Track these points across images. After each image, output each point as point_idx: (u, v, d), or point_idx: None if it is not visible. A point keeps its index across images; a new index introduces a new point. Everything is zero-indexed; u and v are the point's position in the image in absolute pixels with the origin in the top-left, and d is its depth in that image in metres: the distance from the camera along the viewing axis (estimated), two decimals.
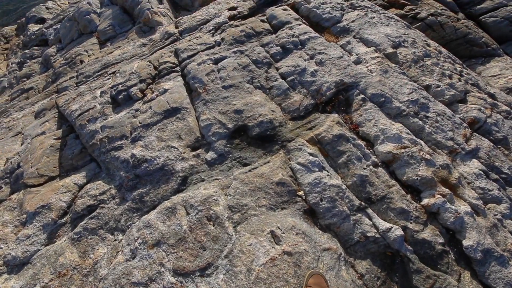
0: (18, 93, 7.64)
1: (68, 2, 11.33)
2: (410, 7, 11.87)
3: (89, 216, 3.39)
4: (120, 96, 4.42)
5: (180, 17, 6.25)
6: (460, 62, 6.03)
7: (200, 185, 3.38)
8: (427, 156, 3.40)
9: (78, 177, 3.90)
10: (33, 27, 10.65)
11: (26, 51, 9.87)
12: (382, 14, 6.36)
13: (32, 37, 10.28)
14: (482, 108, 4.38)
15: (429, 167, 3.33)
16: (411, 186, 3.31)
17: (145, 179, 3.51)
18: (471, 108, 4.33)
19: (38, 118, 5.55)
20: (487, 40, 11.04)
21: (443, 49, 6.11)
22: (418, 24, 11.20)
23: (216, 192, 3.26)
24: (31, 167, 4.27)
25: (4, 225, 3.59)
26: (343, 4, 6.07)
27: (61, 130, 4.74)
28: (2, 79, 9.39)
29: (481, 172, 3.41)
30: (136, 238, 3.03)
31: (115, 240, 3.20)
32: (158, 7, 6.64)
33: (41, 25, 10.46)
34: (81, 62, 6.70)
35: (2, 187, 4.37)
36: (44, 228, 3.41)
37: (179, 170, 3.49)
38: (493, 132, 4.11)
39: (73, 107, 4.63)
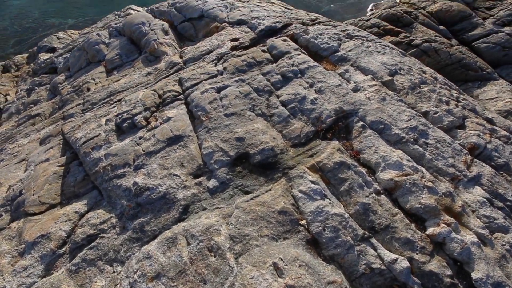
0: (25, 119, 7.82)
1: (79, 33, 11.91)
2: (405, 34, 12.37)
3: (89, 246, 3.34)
4: (124, 124, 4.52)
5: (185, 47, 6.55)
6: (457, 87, 6.17)
7: (202, 214, 3.36)
8: (429, 184, 3.39)
9: (79, 205, 3.89)
10: (44, 56, 11.12)
11: (36, 78, 10.23)
12: (378, 43, 6.62)
13: (42, 65, 10.71)
14: (481, 134, 4.42)
15: (432, 195, 3.31)
16: (415, 215, 3.27)
17: (146, 208, 3.49)
18: (470, 134, 4.37)
19: (43, 145, 5.63)
20: (482, 65, 11.36)
21: (438, 76, 6.29)
22: (413, 50, 11.61)
23: (218, 221, 3.23)
24: (33, 195, 4.27)
25: (1, 256, 3.53)
26: (340, 34, 6.35)
27: (65, 157, 4.80)
28: (10, 105, 9.64)
29: (485, 199, 3.38)
30: (135, 270, 2.96)
31: (114, 272, 3.12)
32: (164, 38, 6.98)
33: (52, 54, 10.93)
34: (88, 89, 6.93)
35: (2, 215, 4.35)
36: (42, 259, 3.35)
37: (180, 198, 3.49)
38: (494, 158, 4.12)
39: (78, 134, 4.73)
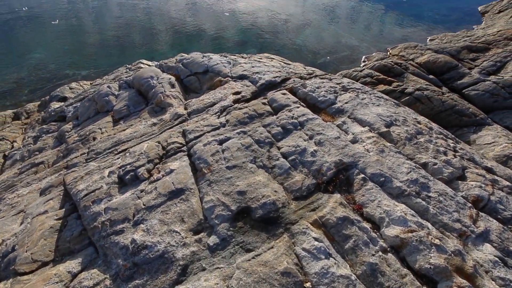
0: (28, 167, 7.90)
1: (90, 83, 12.70)
2: (397, 83, 13.10)
3: None
4: (127, 177, 4.56)
5: (190, 100, 6.91)
6: (453, 136, 6.33)
7: (201, 275, 3.19)
8: (437, 241, 3.28)
9: (73, 264, 3.72)
10: (55, 105, 11.67)
11: (44, 126, 10.60)
12: (372, 95, 6.99)
13: (52, 113, 11.18)
14: (483, 185, 4.41)
15: (440, 254, 3.18)
16: (425, 276, 3.10)
17: (143, 268, 3.33)
18: (472, 185, 4.37)
19: (43, 195, 5.60)
20: (474, 111, 11.79)
21: (433, 125, 6.50)
22: (406, 98, 12.17)
23: (218, 284, 3.06)
24: (26, 251, 4.12)
25: None
26: (336, 87, 6.75)
27: (63, 209, 4.73)
28: (15, 152, 9.82)
29: (497, 259, 3.23)
30: None
31: None
32: (170, 91, 7.42)
33: (63, 103, 11.50)
34: (94, 139, 7.13)
35: None
36: None
37: (179, 258, 3.35)
38: (499, 210, 4.05)
39: (80, 186, 4.73)
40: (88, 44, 17.13)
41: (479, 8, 20.19)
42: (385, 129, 5.24)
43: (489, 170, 5.16)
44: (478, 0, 21.33)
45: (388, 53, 15.74)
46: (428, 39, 17.12)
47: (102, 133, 7.26)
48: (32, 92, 15.80)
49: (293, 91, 6.41)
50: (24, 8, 20.02)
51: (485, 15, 19.48)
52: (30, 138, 10.33)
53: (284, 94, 6.09)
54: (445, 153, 5.03)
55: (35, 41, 17.66)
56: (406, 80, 13.40)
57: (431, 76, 13.81)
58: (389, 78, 13.21)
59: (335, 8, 20.95)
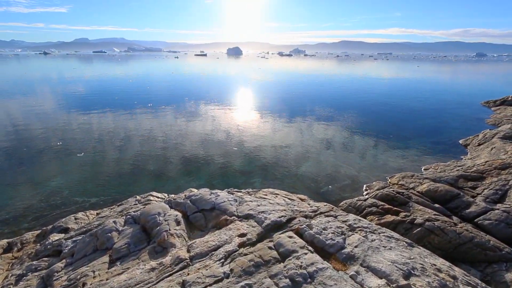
0: None
1: (96, 213, 12.82)
2: (405, 213, 12.92)
3: None
4: None
5: (194, 240, 6.72)
6: (483, 286, 5.62)
7: None
8: None
9: None
10: (54, 237, 11.34)
11: (34, 262, 9.89)
12: (382, 234, 6.78)
13: (48, 246, 10.70)
14: None
15: None
16: None
17: None
18: None
19: None
20: (497, 244, 10.98)
21: (456, 271, 5.91)
22: (418, 229, 11.67)
23: None
24: None
25: None
26: (343, 227, 6.65)
27: None
28: None
29: None
30: None
31: None
32: (175, 229, 7.34)
33: (63, 235, 11.21)
34: (84, 285, 6.46)
35: None
36: None
37: None
38: None
39: None
40: (104, 173, 18.57)
41: (460, 141, 22.66)
42: (404, 282, 4.74)
43: None
44: (457, 135, 24.26)
45: (388, 181, 16.45)
46: (422, 168, 18.29)
47: (94, 277, 6.66)
48: (36, 219, 15.77)
49: (299, 233, 6.29)
50: (58, 143, 23.11)
51: (468, 147, 21.61)
52: (14, 277, 9.44)
53: (290, 237, 5.95)
54: None
55: (56, 170, 19.33)
56: (413, 210, 13.27)
57: (436, 205, 13.75)
58: (395, 208, 13.15)
59: (330, 140, 23.72)
